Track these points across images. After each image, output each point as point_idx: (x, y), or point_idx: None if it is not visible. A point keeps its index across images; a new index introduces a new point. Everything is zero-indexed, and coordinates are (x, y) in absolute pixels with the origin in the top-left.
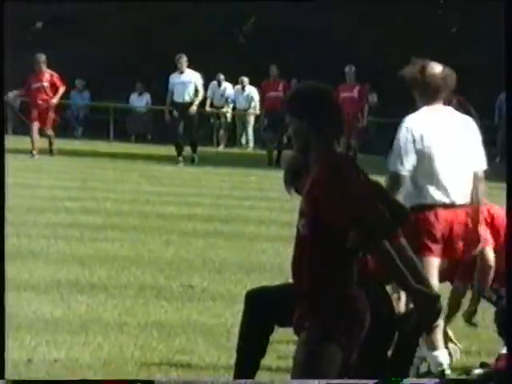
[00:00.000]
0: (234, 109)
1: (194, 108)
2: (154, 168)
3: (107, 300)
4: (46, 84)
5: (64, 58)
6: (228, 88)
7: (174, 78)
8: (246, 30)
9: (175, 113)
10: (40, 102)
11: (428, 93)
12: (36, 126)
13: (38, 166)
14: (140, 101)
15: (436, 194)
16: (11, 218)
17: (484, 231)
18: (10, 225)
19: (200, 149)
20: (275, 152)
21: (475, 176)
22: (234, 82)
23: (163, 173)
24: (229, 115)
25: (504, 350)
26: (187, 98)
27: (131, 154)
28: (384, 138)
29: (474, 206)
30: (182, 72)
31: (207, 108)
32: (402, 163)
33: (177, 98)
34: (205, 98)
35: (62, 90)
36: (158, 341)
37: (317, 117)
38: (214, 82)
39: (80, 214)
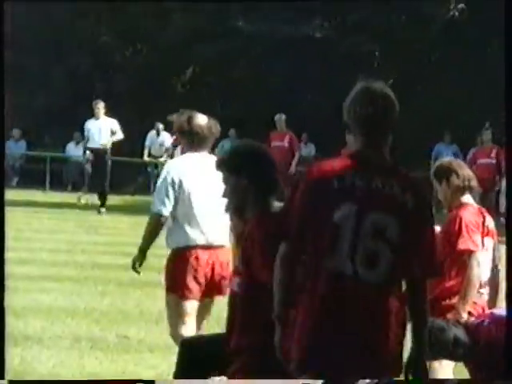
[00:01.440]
0: (171, 157)
1: (108, 151)
2: (91, 218)
3: (41, 351)
4: None
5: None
6: (166, 138)
7: (90, 124)
8: (185, 80)
9: (90, 158)
10: None
11: (195, 141)
12: None
13: None
14: (77, 150)
15: (195, 236)
16: None
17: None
18: None
19: (137, 198)
20: None
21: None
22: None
23: (100, 222)
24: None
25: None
26: (102, 144)
27: (67, 203)
28: None
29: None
30: (97, 118)
31: (145, 158)
32: (163, 204)
33: (91, 144)
34: (143, 147)
35: None
36: None
37: (255, 173)
38: (153, 132)
39: (15, 264)
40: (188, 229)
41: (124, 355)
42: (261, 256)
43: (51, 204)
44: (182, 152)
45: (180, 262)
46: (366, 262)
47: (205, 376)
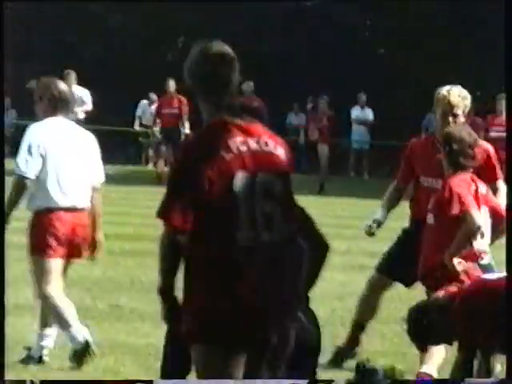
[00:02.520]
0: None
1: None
2: None
3: (33, 321)
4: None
5: None
6: None
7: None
8: (175, 48)
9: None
10: None
11: (58, 106)
12: None
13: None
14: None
15: (59, 198)
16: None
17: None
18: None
19: (129, 167)
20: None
21: (94, 187)
22: None
23: None
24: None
25: (423, 369)
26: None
27: None
28: None
29: (94, 211)
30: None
31: (136, 127)
32: (27, 167)
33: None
34: (133, 117)
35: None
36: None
37: None
38: (145, 101)
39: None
40: (51, 191)
41: (116, 324)
42: None
43: None
44: (43, 117)
45: (43, 223)
46: (265, 224)
47: None
